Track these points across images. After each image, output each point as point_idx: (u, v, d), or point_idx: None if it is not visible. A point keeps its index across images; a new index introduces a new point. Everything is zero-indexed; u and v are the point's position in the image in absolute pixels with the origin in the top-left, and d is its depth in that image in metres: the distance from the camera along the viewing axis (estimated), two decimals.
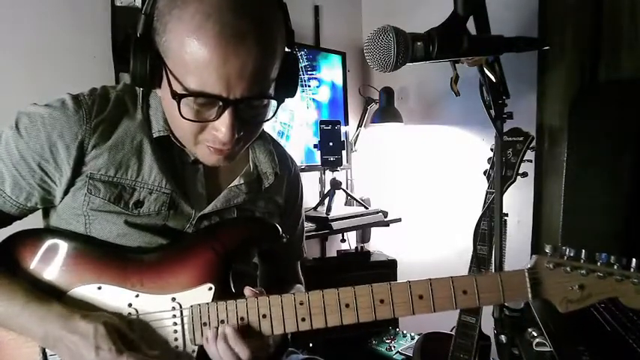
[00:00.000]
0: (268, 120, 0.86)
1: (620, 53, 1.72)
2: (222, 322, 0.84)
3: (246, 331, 0.83)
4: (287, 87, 0.85)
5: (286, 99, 0.86)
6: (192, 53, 0.72)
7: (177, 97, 0.75)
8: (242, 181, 0.97)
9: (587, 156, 1.67)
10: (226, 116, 0.77)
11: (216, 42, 0.71)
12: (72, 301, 0.83)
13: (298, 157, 2.23)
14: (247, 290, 0.86)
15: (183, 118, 0.77)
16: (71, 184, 0.85)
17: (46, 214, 0.93)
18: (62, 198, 0.87)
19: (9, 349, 0.84)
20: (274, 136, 2.02)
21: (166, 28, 0.74)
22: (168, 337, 0.85)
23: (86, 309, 0.82)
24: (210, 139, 0.82)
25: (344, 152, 2.16)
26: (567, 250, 0.80)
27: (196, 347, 0.85)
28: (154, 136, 0.89)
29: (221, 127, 0.78)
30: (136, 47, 0.76)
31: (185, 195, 0.91)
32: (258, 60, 0.74)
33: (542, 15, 1.92)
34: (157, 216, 0.89)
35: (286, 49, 0.83)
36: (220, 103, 0.76)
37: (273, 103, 0.84)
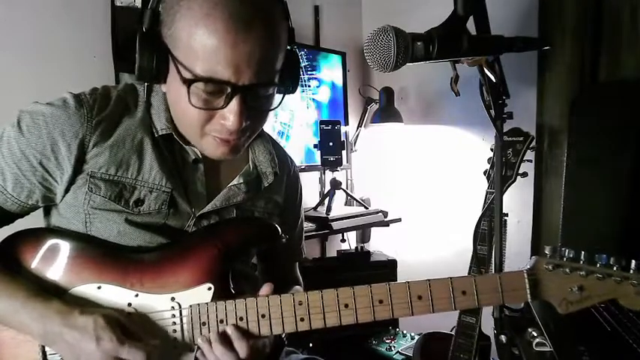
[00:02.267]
0: (274, 109, 0.88)
1: (620, 53, 1.72)
2: (222, 321, 0.84)
3: (243, 332, 0.83)
4: (290, 80, 0.88)
5: (288, 94, 0.89)
6: (201, 40, 0.74)
7: (187, 83, 0.77)
8: (241, 180, 0.98)
9: (587, 156, 1.67)
10: (234, 103, 0.79)
11: (225, 28, 0.73)
12: (72, 301, 0.83)
13: (298, 157, 2.23)
14: (266, 287, 0.85)
15: (192, 106, 0.79)
16: (72, 182, 0.86)
17: (47, 213, 0.93)
18: (63, 196, 0.87)
19: (9, 347, 0.84)
20: (274, 136, 2.03)
21: (175, 18, 0.76)
22: (168, 337, 0.85)
23: None
24: (217, 130, 0.83)
25: (344, 152, 2.16)
26: (567, 251, 0.80)
27: (195, 347, 0.85)
28: (156, 134, 0.90)
29: (229, 114, 0.80)
30: (142, 41, 0.78)
31: (185, 194, 0.92)
32: (266, 47, 0.77)
33: (542, 15, 1.92)
34: (157, 214, 0.89)
35: (287, 47, 0.85)
36: (229, 90, 0.78)
37: (278, 95, 0.87)
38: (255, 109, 0.83)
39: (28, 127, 0.83)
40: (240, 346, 0.81)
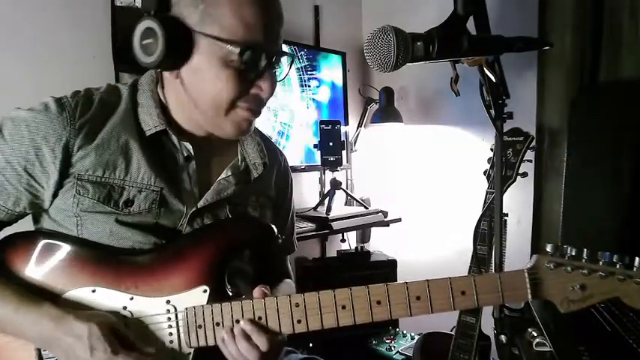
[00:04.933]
0: (281, 80, 0.94)
1: (620, 53, 1.72)
2: (218, 324, 0.83)
3: (261, 327, 0.83)
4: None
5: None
6: (242, 11, 0.80)
7: (242, 48, 0.80)
8: (229, 173, 0.97)
9: (587, 156, 1.67)
10: (268, 72, 0.86)
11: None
12: (66, 305, 0.82)
13: (298, 157, 2.23)
14: (257, 291, 0.85)
15: (230, 80, 0.82)
16: (59, 186, 0.85)
17: (36, 220, 0.92)
18: (51, 201, 0.86)
19: (5, 351, 0.84)
20: (274, 136, 2.03)
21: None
22: (164, 340, 0.85)
23: None
24: (250, 100, 0.87)
25: (344, 152, 2.16)
26: (569, 249, 0.79)
27: (192, 350, 0.85)
28: (148, 133, 0.89)
29: (264, 83, 0.86)
30: (165, 26, 0.79)
31: (176, 192, 0.91)
32: (281, 16, 0.87)
33: (542, 15, 1.92)
34: (147, 214, 0.88)
35: None
36: (264, 59, 0.84)
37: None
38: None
39: (10, 134, 0.83)
40: (261, 341, 0.81)
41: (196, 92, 0.86)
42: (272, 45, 0.85)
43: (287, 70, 0.93)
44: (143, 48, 0.81)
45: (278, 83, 0.91)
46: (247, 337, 0.82)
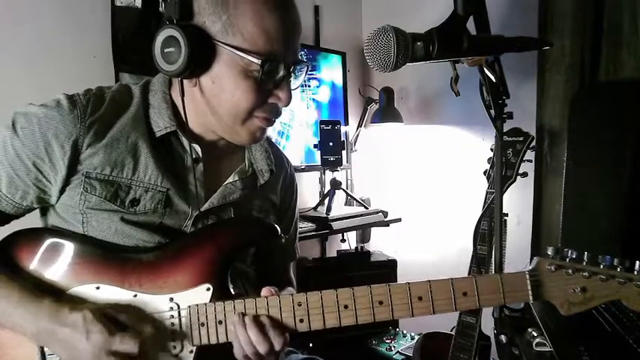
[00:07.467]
0: (295, 89, 0.94)
1: (620, 53, 1.72)
2: (220, 322, 0.84)
3: (280, 325, 0.83)
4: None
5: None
6: (264, 23, 0.81)
7: (263, 60, 0.81)
8: (236, 178, 0.98)
9: (587, 156, 1.67)
10: (286, 81, 0.87)
11: (279, 9, 0.83)
12: (70, 301, 0.82)
13: (298, 157, 2.23)
14: (265, 290, 0.86)
15: (251, 90, 0.84)
16: (67, 182, 0.86)
17: (43, 213, 0.93)
18: (58, 197, 0.87)
19: (8, 348, 0.84)
20: (274, 136, 2.03)
21: (230, 6, 0.80)
22: (167, 338, 0.85)
23: None
24: (267, 110, 0.88)
25: (344, 152, 2.16)
26: (569, 252, 0.79)
27: (194, 347, 0.85)
28: (158, 134, 0.90)
29: (282, 92, 0.87)
30: (188, 35, 0.79)
31: (182, 193, 0.91)
32: (300, 26, 0.90)
33: (542, 15, 1.92)
34: (153, 214, 0.89)
35: None
36: (282, 70, 0.85)
37: None
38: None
39: (22, 129, 0.83)
40: (277, 339, 0.81)
41: (215, 100, 0.87)
42: (292, 55, 0.86)
43: (302, 78, 0.94)
44: (165, 56, 0.81)
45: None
46: (261, 328, 0.81)
